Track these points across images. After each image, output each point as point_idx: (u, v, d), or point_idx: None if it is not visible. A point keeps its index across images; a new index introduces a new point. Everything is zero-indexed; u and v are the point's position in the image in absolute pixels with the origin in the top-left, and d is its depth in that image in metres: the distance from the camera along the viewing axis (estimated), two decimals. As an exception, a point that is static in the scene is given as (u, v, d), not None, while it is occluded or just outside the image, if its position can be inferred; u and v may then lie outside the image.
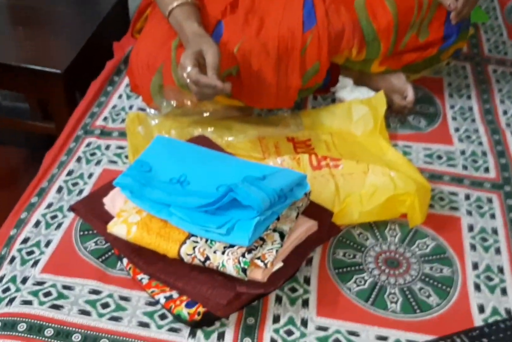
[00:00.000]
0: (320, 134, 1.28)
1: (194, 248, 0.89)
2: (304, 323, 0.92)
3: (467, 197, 1.16)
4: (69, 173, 1.18)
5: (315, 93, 1.39)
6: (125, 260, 0.97)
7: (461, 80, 1.51)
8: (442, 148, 1.28)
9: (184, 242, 0.90)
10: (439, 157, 1.26)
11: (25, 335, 0.87)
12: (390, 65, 1.32)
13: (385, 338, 0.91)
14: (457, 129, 1.34)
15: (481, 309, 0.96)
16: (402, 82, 1.33)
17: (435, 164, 1.24)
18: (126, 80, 1.43)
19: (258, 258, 0.88)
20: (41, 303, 0.91)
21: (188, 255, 0.89)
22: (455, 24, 1.26)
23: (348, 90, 1.37)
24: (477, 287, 0.99)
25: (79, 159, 1.21)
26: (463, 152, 1.27)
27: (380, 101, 1.29)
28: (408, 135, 1.32)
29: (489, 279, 1.01)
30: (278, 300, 0.95)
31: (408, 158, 1.22)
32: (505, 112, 1.40)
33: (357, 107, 1.30)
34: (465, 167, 1.24)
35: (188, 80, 1.05)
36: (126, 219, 0.94)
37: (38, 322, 0.89)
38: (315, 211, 1.02)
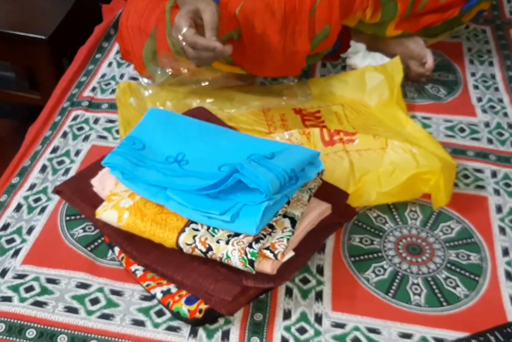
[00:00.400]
0: (330, 106, 1.18)
1: (194, 236, 0.79)
2: (318, 319, 0.82)
3: (494, 174, 1.06)
4: (54, 150, 1.08)
5: (324, 60, 1.29)
6: (116, 249, 0.87)
7: (481, 45, 1.40)
8: (464, 120, 1.18)
9: (183, 230, 0.80)
10: (462, 130, 1.15)
11: (4, 337, 0.78)
12: (407, 28, 1.21)
13: (409, 336, 0.81)
14: (479, 99, 1.23)
15: (515, 300, 0.86)
16: (420, 47, 1.22)
17: (457, 138, 1.13)
18: (116, 47, 1.34)
19: (267, 248, 0.78)
20: (22, 300, 0.82)
21: (187, 245, 0.79)
22: None
23: (360, 56, 1.26)
24: (509, 276, 0.90)
25: (64, 135, 1.11)
26: (487, 125, 1.16)
27: (396, 68, 1.18)
28: (427, 105, 1.21)
29: (523, 266, 0.91)
30: (289, 292, 0.86)
31: (428, 131, 1.11)
32: (531, 80, 1.29)
33: (371, 75, 1.19)
34: (490, 141, 1.13)
35: (183, 43, 0.94)
36: (117, 204, 0.84)
37: (19, 321, 0.79)
38: (328, 192, 0.92)
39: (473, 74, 1.30)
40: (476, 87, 1.27)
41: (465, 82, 1.28)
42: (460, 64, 1.33)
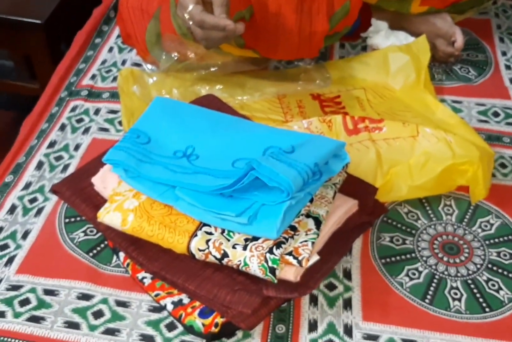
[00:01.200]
0: (351, 90, 1.10)
1: (207, 241, 0.70)
2: (348, 331, 0.74)
3: (533, 162, 0.97)
4: (51, 144, 0.99)
5: (343, 40, 1.20)
6: (121, 254, 0.79)
7: (511, 22, 1.31)
8: (498, 103, 1.09)
9: (194, 234, 0.71)
10: (496, 114, 1.06)
11: (-3, 357, 0.69)
12: (434, 4, 1.13)
13: (450, 347, 0.73)
14: (513, 80, 1.14)
15: None
16: (448, 24, 1.14)
17: (491, 123, 1.05)
18: (117, 30, 1.25)
19: (290, 253, 0.70)
20: (17, 315, 0.73)
21: (200, 250, 0.70)
22: None
23: (382, 36, 1.18)
24: (558, 276, 0.81)
25: (62, 127, 1.03)
26: (523, 108, 1.07)
27: (423, 48, 1.09)
28: (456, 88, 1.12)
29: None
30: (313, 300, 0.77)
31: (460, 116, 1.02)
32: None
33: (395, 55, 1.10)
34: (527, 126, 1.04)
35: (190, 23, 0.84)
36: (121, 205, 0.75)
37: (13, 340, 0.71)
38: (354, 187, 0.84)
39: (504, 53, 1.22)
40: (508, 67, 1.18)
41: (496, 62, 1.19)
42: (490, 42, 1.24)
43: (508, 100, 1.09)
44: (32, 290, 0.76)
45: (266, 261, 0.68)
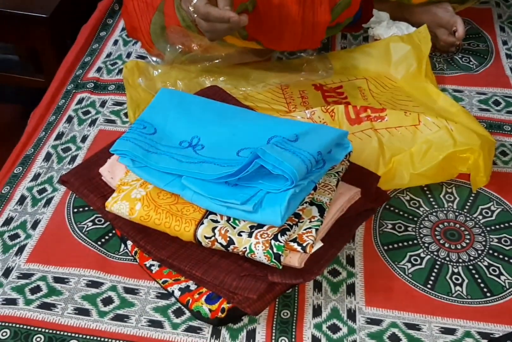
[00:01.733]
0: (353, 80, 1.11)
1: (213, 229, 0.72)
2: (352, 315, 0.75)
3: (534, 150, 0.98)
4: (59, 136, 1.00)
5: (345, 30, 1.20)
6: (129, 243, 0.80)
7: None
8: (498, 92, 1.09)
9: (201, 222, 0.73)
10: (497, 103, 1.07)
11: (9, 344, 0.71)
12: (434, -6, 1.12)
13: (452, 331, 0.74)
14: (514, 69, 1.14)
15: None
16: (449, 14, 1.14)
17: (492, 112, 1.05)
18: (122, 23, 1.26)
19: (294, 240, 0.71)
20: (28, 302, 0.75)
21: (206, 238, 0.72)
22: None
23: (384, 26, 1.18)
24: (559, 264, 0.82)
25: (69, 119, 1.04)
26: (524, 97, 1.08)
27: (424, 38, 1.11)
28: (458, 77, 1.13)
29: None
30: (317, 286, 0.79)
31: (461, 105, 1.03)
32: None
33: (396, 45, 1.11)
34: (528, 114, 1.05)
35: (195, 15, 0.85)
36: (128, 194, 0.77)
37: (25, 326, 0.72)
38: (357, 175, 0.85)
39: (505, 42, 1.22)
40: (509, 56, 1.18)
41: (497, 51, 1.19)
42: (491, 32, 1.25)
43: (509, 89, 1.09)
44: (43, 278, 0.78)
45: (271, 248, 0.69)
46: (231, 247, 0.71)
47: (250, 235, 0.71)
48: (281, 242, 0.69)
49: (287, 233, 0.71)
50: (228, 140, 0.79)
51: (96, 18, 1.27)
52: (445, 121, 0.91)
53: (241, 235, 0.71)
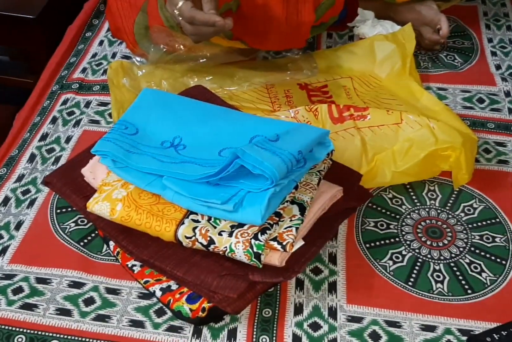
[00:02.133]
0: (338, 79, 1.11)
1: (194, 229, 0.72)
2: (333, 313, 0.76)
3: (517, 147, 0.99)
4: (43, 137, 1.01)
5: (330, 29, 1.20)
6: (111, 243, 0.80)
7: (498, 9, 1.32)
8: (483, 90, 1.10)
9: (181, 222, 0.73)
10: (481, 100, 1.07)
11: (-9, 344, 0.72)
12: (419, -8, 1.13)
13: (432, 328, 0.75)
14: (498, 67, 1.16)
15: (545, 285, 0.80)
16: (434, 12, 1.14)
17: (476, 110, 1.06)
18: (107, 24, 1.26)
19: (274, 239, 0.71)
20: (10, 303, 0.75)
21: (187, 238, 0.72)
22: None
23: (369, 25, 1.19)
24: (539, 258, 0.83)
25: (54, 120, 1.04)
26: (508, 94, 1.09)
27: (408, 36, 1.11)
28: (442, 75, 1.13)
29: (553, 248, 0.84)
30: (299, 284, 0.79)
31: (444, 103, 1.04)
32: (553, 44, 1.20)
33: (381, 44, 1.11)
34: (511, 111, 1.05)
35: (180, 18, 0.85)
36: (109, 195, 0.77)
37: (6, 327, 0.73)
38: (339, 173, 0.85)
39: (490, 40, 1.22)
40: (494, 54, 1.19)
41: (482, 49, 1.20)
42: (476, 29, 1.25)
43: (493, 87, 1.10)
44: (25, 279, 0.78)
45: (251, 247, 0.69)
46: (212, 246, 0.71)
47: (230, 234, 0.71)
48: (261, 241, 0.70)
49: (268, 232, 0.71)
50: (210, 140, 0.79)
51: (82, 19, 1.28)
52: (427, 120, 0.91)
53: (221, 235, 0.71)
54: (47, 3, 1.39)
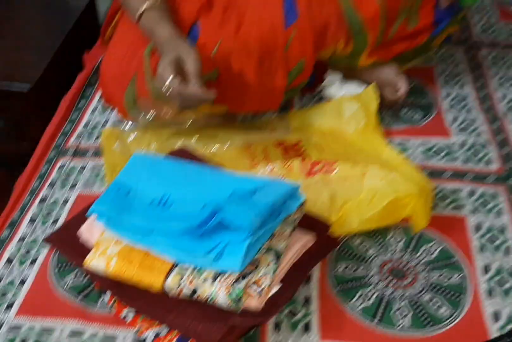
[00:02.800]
0: (310, 136, 1.21)
1: (181, 279, 0.81)
2: (309, 350, 0.84)
3: (471, 193, 1.09)
4: (42, 200, 1.11)
5: (301, 91, 1.31)
6: (108, 293, 0.89)
7: (453, 67, 1.43)
8: (440, 142, 1.21)
9: (170, 272, 0.82)
10: (438, 152, 1.18)
11: None
12: (379, 56, 1.24)
13: (398, 361, 0.83)
14: (454, 120, 1.26)
15: (496, 316, 0.88)
16: (393, 74, 1.25)
17: (434, 160, 1.16)
18: (99, 93, 1.35)
19: (252, 285, 0.80)
20: (16, 354, 0.84)
21: (173, 288, 0.81)
22: (446, 8, 1.18)
23: (336, 87, 1.29)
24: (490, 293, 0.92)
25: (52, 184, 1.14)
26: (462, 145, 1.19)
27: (371, 96, 1.22)
28: (403, 130, 1.25)
29: (502, 282, 0.93)
30: (277, 326, 0.88)
31: (405, 155, 1.16)
32: (504, 97, 1.32)
33: (347, 104, 1.23)
34: (465, 160, 1.16)
35: (168, 93, 0.96)
36: (105, 251, 0.86)
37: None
38: (310, 223, 0.94)
39: (446, 96, 1.33)
40: (450, 108, 1.30)
41: (438, 105, 1.31)
42: (434, 87, 1.36)
43: (450, 138, 1.21)
44: (31, 329, 0.87)
45: (232, 292, 0.78)
46: (195, 295, 0.80)
47: (213, 282, 0.80)
48: (240, 287, 0.79)
49: (246, 278, 0.80)
50: (194, 196, 0.86)
51: (75, 89, 1.36)
52: (387, 172, 1.01)
53: (205, 282, 0.80)
54: (41, 76, 1.40)
